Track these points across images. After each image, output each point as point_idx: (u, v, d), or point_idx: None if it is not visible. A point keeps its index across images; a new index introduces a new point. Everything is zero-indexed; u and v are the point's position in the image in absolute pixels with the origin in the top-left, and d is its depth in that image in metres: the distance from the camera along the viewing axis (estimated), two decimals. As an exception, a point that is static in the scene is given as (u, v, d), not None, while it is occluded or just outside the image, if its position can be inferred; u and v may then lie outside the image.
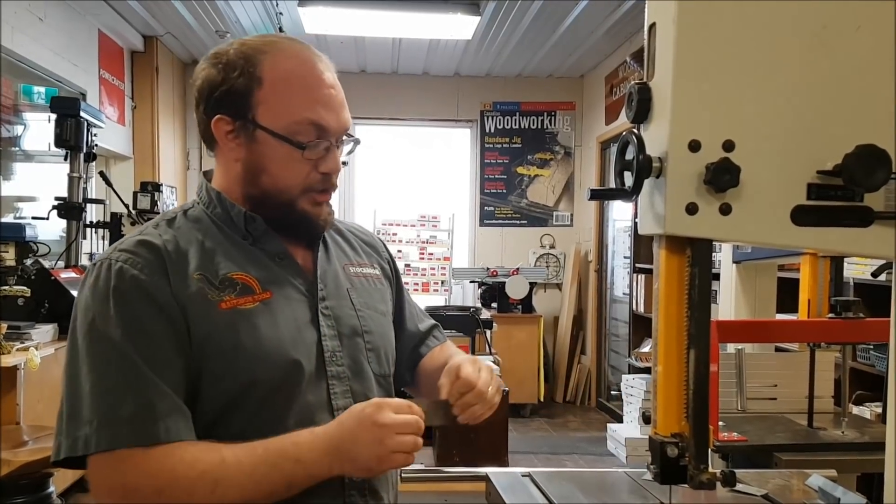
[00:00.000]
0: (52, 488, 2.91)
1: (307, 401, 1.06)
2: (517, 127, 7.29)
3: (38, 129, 4.65)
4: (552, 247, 7.29)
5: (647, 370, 4.78)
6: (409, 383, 1.36)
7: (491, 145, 7.28)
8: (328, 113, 1.08)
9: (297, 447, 0.97)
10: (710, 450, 0.97)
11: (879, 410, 2.60)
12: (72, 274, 3.99)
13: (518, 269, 6.47)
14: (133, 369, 0.97)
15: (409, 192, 7.23)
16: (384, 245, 1.36)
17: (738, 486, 1.10)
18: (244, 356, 1.02)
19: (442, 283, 7.01)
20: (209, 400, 1.02)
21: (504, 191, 7.31)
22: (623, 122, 5.91)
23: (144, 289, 1.00)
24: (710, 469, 0.95)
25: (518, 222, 7.32)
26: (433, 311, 5.30)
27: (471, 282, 6.83)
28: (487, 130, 7.27)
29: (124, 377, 0.96)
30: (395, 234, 6.96)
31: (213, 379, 1.02)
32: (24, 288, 3.56)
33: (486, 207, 7.31)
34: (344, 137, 1.12)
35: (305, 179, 1.09)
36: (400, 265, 7.69)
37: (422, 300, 6.45)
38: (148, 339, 0.98)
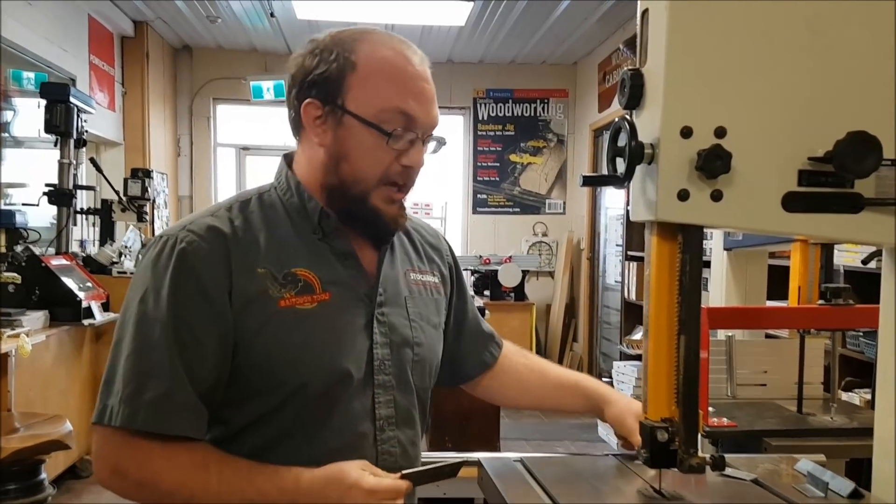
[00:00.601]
0: (43, 475, 2.91)
1: (352, 407, 1.06)
2: (510, 114, 7.28)
3: (27, 115, 4.61)
4: (545, 235, 7.30)
5: (639, 357, 4.80)
6: (470, 378, 1.36)
7: (484, 133, 7.27)
8: (418, 105, 1.06)
9: (279, 492, 0.97)
10: (700, 435, 0.98)
11: (869, 397, 2.62)
12: (62, 261, 3.97)
13: (511, 256, 6.47)
14: (166, 356, 0.98)
15: (401, 179, 7.21)
16: (448, 245, 1.34)
17: (728, 471, 1.11)
18: (294, 359, 1.02)
19: (434, 270, 7.01)
20: (253, 399, 1.03)
21: (497, 178, 7.31)
22: (616, 109, 5.90)
23: (200, 281, 1.00)
24: (700, 453, 0.96)
25: (511, 210, 7.32)
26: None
27: (463, 269, 6.83)
28: (480, 118, 7.26)
29: (156, 360, 0.98)
30: (387, 222, 6.94)
31: (259, 378, 1.02)
32: (15, 275, 3.55)
33: (478, 195, 7.31)
34: (431, 134, 1.10)
35: (386, 170, 1.07)
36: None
37: (414, 288, 6.44)
38: (190, 332, 0.99)
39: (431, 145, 1.11)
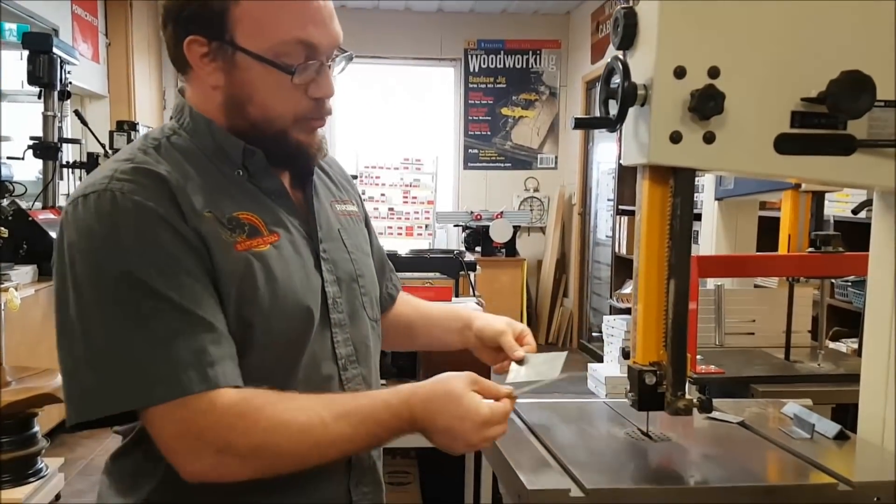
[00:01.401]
0: (37, 428, 2.93)
1: (314, 351, 1.01)
2: (502, 66, 7.18)
3: (10, 68, 4.52)
4: (536, 190, 7.27)
5: (628, 311, 4.83)
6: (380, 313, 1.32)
7: (475, 85, 7.19)
8: (318, 29, 0.96)
9: (399, 421, 0.94)
10: (687, 380, 0.98)
11: (856, 346, 2.65)
12: (49, 215, 3.94)
13: (502, 212, 6.46)
14: (170, 311, 0.87)
15: (391, 133, 7.15)
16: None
17: (715, 414, 1.12)
18: (261, 303, 0.94)
19: (426, 226, 7.00)
20: None
21: (488, 133, 7.24)
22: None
23: (164, 219, 0.89)
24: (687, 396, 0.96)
25: (502, 165, 7.28)
26: (417, 255, 5.29)
27: (455, 226, 6.82)
28: (471, 70, 7.16)
29: (163, 321, 0.87)
30: (377, 178, 6.90)
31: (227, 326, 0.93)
32: (2, 229, 3.51)
33: (470, 150, 7.25)
34: (335, 54, 1.00)
35: (297, 107, 0.98)
36: (383, 209, 7.40)
37: (405, 244, 6.45)
38: (182, 275, 0.88)
39: (339, 65, 1.02)
